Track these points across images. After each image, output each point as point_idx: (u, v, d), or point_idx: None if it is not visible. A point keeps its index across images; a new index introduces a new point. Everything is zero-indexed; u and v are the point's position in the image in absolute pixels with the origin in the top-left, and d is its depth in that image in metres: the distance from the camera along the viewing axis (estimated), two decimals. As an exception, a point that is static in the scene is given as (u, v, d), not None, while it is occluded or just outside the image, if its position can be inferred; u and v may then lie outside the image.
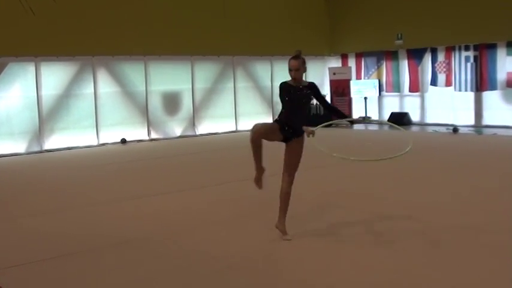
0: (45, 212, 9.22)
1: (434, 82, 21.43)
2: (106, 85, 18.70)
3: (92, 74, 18.36)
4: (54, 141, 17.56)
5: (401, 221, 7.94)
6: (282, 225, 7.20)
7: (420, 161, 13.12)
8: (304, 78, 7.24)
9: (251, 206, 9.07)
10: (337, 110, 7.49)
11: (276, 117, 7.25)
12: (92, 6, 18.01)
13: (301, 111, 7.12)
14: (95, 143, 18.33)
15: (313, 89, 7.19)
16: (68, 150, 17.39)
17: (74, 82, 18.04)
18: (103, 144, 18.37)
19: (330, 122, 7.88)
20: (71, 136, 17.86)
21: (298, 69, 7.02)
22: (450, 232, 7.27)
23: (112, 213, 9.05)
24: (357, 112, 23.47)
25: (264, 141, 6.93)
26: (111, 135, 18.66)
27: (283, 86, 7.07)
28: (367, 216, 8.19)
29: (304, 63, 7.12)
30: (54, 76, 17.65)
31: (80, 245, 7.26)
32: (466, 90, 20.52)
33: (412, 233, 7.26)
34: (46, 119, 17.48)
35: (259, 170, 7.22)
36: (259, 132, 6.91)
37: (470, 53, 20.30)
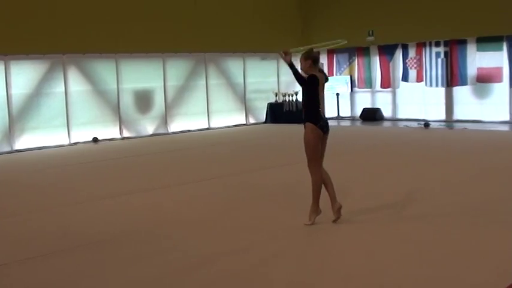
0: (16, 214, 9.16)
1: (405, 78, 21.74)
2: (77, 83, 18.62)
3: (63, 73, 18.28)
4: (24, 141, 17.44)
5: (371, 213, 8.13)
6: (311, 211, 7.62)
7: (391, 155, 13.49)
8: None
9: (223, 205, 9.12)
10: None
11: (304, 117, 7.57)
12: (61, 3, 17.97)
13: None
14: (66, 142, 18.23)
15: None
16: (39, 150, 17.26)
17: (45, 81, 17.95)
18: (75, 144, 18.27)
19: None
20: (41, 136, 17.75)
21: (301, 63, 7.56)
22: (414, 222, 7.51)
23: (84, 213, 9.03)
24: (329, 108, 23.57)
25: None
26: (82, 134, 18.58)
27: (315, 78, 7.41)
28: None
29: (306, 58, 7.51)
30: (24, 75, 17.55)
31: (53, 246, 7.27)
32: (436, 85, 20.88)
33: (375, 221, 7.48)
34: (16, 118, 17.37)
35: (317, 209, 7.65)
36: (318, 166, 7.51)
37: (441, 49, 20.65)
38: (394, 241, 6.86)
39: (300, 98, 22.51)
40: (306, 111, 7.52)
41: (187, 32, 20.82)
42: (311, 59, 7.52)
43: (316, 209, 7.58)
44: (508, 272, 5.70)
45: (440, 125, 19.82)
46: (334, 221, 7.54)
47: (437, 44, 20.70)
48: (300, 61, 7.54)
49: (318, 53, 7.65)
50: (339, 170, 10.49)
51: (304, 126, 7.52)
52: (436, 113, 21.03)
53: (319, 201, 7.60)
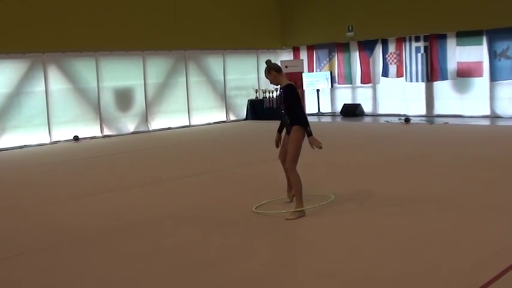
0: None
1: (385, 73, 21.99)
2: (57, 82, 18.68)
3: (43, 71, 18.31)
4: (5, 140, 17.49)
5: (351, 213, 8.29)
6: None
7: (372, 150, 13.71)
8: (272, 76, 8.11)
9: (204, 201, 9.19)
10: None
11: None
12: (40, 2, 17.98)
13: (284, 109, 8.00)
14: (48, 141, 18.30)
15: (284, 91, 7.97)
16: (20, 149, 17.39)
17: (25, 80, 17.99)
18: (55, 142, 18.37)
19: None
20: (22, 134, 17.81)
21: (268, 78, 8.07)
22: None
23: (65, 211, 9.06)
24: (310, 104, 23.89)
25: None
26: (63, 132, 18.66)
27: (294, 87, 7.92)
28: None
29: (269, 72, 8.03)
30: (4, 74, 17.59)
31: (33, 245, 7.30)
32: (417, 80, 21.16)
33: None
34: (-3, 117, 17.49)
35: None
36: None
37: (421, 44, 20.93)
38: (371, 234, 7.03)
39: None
40: (294, 116, 7.83)
41: (167, 30, 20.94)
42: (273, 69, 8.00)
43: (301, 205, 7.85)
44: (485, 261, 5.89)
45: (421, 120, 20.05)
46: (291, 201, 8.26)
47: (417, 39, 20.96)
48: (266, 77, 8.07)
49: (275, 64, 8.17)
50: (314, 165, 10.80)
51: (291, 130, 7.87)
52: (416, 108, 21.27)
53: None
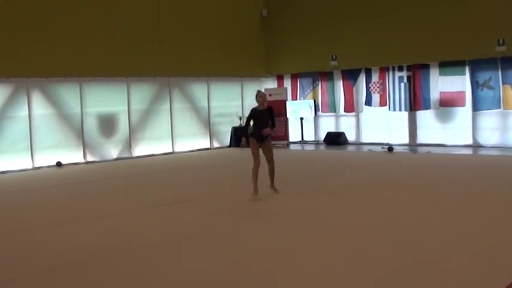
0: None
1: (369, 102, 22.51)
2: (41, 107, 19.00)
3: (26, 96, 18.61)
4: (-13, 165, 17.74)
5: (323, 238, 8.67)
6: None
7: (353, 178, 14.02)
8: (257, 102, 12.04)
9: (186, 229, 9.35)
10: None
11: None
12: (24, 27, 18.31)
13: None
14: (30, 167, 18.54)
15: (270, 110, 11.94)
16: (2, 174, 17.54)
17: (8, 104, 18.25)
18: (38, 168, 18.63)
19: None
20: (4, 160, 18.04)
21: (259, 100, 11.98)
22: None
23: (46, 238, 9.07)
24: (293, 132, 24.31)
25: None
26: (46, 158, 18.90)
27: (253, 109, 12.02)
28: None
29: (263, 95, 12.07)
30: (-13, 98, 17.89)
31: (18, 270, 7.36)
32: (400, 109, 21.67)
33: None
34: (-21, 142, 17.64)
35: (256, 190, 11.68)
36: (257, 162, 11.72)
37: (404, 73, 21.48)
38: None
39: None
40: (273, 127, 11.88)
41: (152, 56, 21.36)
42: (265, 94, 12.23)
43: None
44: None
45: (404, 149, 20.44)
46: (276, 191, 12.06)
47: (401, 69, 21.52)
48: (257, 99, 11.97)
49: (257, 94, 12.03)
50: (298, 197, 11.31)
51: (267, 139, 11.87)
52: (399, 137, 21.76)
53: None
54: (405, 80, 21.42)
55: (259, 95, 11.95)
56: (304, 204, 11.02)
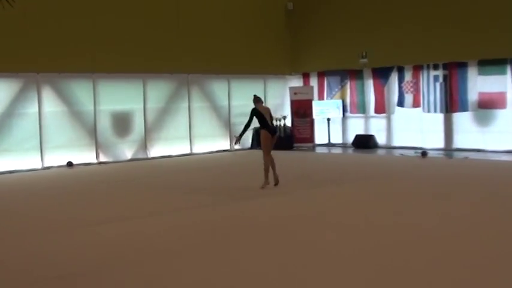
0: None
1: (401, 103, 21.78)
2: (51, 104, 18.60)
3: (37, 92, 18.27)
4: (-5, 164, 17.46)
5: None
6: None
7: (386, 187, 13.33)
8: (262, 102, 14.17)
9: (205, 235, 9.10)
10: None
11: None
12: (36, 20, 17.92)
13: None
14: (39, 166, 18.21)
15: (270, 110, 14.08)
16: (10, 174, 17.27)
17: (17, 100, 17.94)
18: (48, 168, 18.27)
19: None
20: (13, 159, 17.74)
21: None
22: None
23: (55, 243, 8.87)
24: (320, 134, 23.74)
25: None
26: (56, 158, 18.53)
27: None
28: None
29: (259, 100, 14.00)
30: (-5, 94, 17.59)
31: (25, 277, 7.17)
32: (435, 111, 20.89)
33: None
34: (-14, 140, 17.36)
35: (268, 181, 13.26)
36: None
37: (440, 72, 20.67)
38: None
39: (288, 122, 22.72)
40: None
41: (170, 52, 20.93)
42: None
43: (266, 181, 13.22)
44: None
45: (439, 153, 19.77)
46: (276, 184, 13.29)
47: (436, 67, 20.74)
48: (255, 103, 13.81)
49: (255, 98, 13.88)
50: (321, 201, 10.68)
51: (276, 134, 13.76)
52: (434, 140, 21.02)
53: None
54: (441, 79, 20.63)
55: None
56: (330, 214, 10.38)
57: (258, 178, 13.62)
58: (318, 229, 9.22)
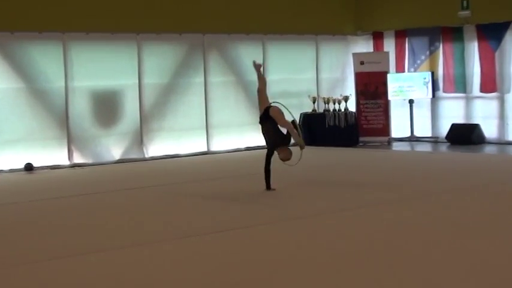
0: None
1: (521, 77, 21.67)
2: (2, 78, 18.62)
3: (-22, 61, 18.53)
4: None
5: None
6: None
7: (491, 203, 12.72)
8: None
9: (221, 267, 8.79)
10: None
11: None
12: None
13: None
14: (-20, 171, 18.50)
15: None
16: None
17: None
18: (-4, 172, 18.50)
19: None
20: None
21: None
22: None
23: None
24: (398, 124, 23.71)
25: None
26: (9, 157, 18.70)
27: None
28: None
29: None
30: None
31: None
32: None
33: None
34: None
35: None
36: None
37: None
38: None
39: (351, 106, 22.40)
40: None
41: (176, 3, 20.93)
42: None
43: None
44: None
45: None
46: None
47: None
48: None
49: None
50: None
51: None
52: None
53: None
54: None
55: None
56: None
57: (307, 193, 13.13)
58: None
